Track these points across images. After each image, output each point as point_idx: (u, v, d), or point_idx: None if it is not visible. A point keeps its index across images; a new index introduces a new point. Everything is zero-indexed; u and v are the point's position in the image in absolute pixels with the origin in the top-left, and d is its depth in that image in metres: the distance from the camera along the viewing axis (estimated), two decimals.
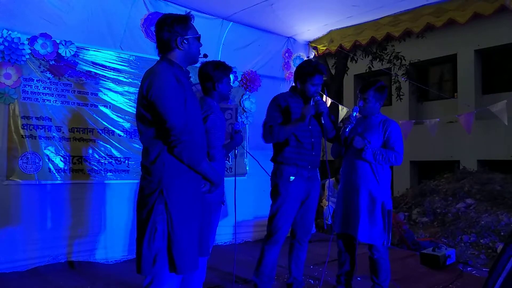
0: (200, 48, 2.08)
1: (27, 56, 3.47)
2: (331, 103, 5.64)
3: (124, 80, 4.00)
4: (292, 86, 3.08)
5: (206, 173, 1.97)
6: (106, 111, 3.92)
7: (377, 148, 2.89)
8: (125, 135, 4.02)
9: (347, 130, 2.94)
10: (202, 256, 2.06)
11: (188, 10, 2.19)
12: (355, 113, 2.93)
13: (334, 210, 3.20)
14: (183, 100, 1.87)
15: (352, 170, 2.97)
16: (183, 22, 1.97)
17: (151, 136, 1.90)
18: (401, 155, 2.91)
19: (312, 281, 3.50)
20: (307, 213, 3.00)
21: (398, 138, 2.93)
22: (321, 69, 2.89)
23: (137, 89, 2.18)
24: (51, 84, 3.63)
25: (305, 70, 2.90)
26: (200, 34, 2.06)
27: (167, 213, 1.84)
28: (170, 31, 1.95)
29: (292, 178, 2.88)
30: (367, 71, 9.80)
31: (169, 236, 1.84)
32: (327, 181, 7.09)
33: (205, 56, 2.17)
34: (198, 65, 2.46)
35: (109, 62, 3.93)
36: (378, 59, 9.24)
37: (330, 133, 3.01)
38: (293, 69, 5.35)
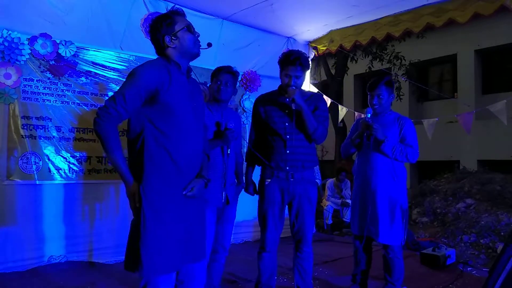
0: (199, 37, 1.96)
1: (27, 56, 3.47)
2: (331, 103, 5.64)
3: (124, 80, 4.00)
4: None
5: (116, 169, 1.86)
6: None
7: (396, 143, 2.86)
8: (125, 135, 4.01)
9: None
10: (196, 261, 1.97)
11: (176, 7, 2.09)
12: (369, 114, 2.85)
13: (351, 209, 3.13)
14: (148, 83, 1.80)
15: (368, 166, 2.92)
16: (166, 19, 1.91)
17: (135, 131, 1.89)
18: (418, 152, 2.90)
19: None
20: (297, 219, 2.75)
21: (414, 136, 2.91)
22: (292, 60, 2.58)
23: None
24: (51, 84, 3.63)
25: (280, 59, 2.70)
26: (189, 22, 1.95)
27: (141, 210, 1.80)
28: (157, 33, 1.91)
29: (268, 181, 2.74)
30: (367, 71, 9.80)
31: (139, 232, 1.78)
32: (327, 181, 7.11)
33: (209, 45, 2.03)
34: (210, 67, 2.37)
35: (109, 62, 3.93)
36: (378, 59, 9.25)
37: (309, 126, 2.63)
38: None
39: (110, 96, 1.84)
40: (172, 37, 1.89)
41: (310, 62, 2.74)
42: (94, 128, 1.80)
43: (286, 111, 2.71)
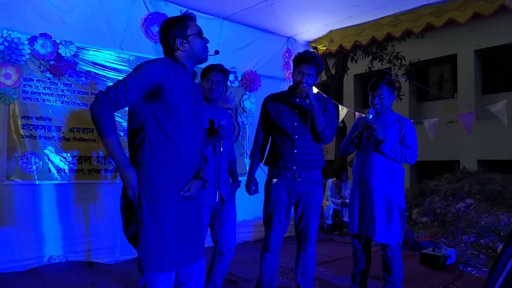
0: (208, 44, 2.01)
1: (27, 56, 3.47)
2: None
3: None
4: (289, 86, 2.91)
5: (111, 154, 1.80)
6: None
7: (396, 144, 2.87)
8: (125, 135, 4.02)
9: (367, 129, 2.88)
10: (195, 261, 1.97)
11: (185, 9, 2.15)
12: (371, 115, 2.85)
13: (348, 208, 3.15)
14: (153, 77, 1.81)
15: (366, 165, 2.93)
16: (179, 22, 1.94)
17: (137, 124, 1.90)
18: (416, 153, 2.90)
19: None
20: (302, 218, 2.75)
21: (413, 137, 2.92)
22: (306, 57, 2.62)
23: None
24: (51, 84, 3.63)
25: (294, 58, 2.74)
26: (201, 28, 2.00)
27: (140, 206, 1.81)
28: (168, 35, 1.93)
29: (274, 180, 2.74)
30: (367, 71, 9.79)
31: (137, 229, 1.80)
32: (327, 181, 7.11)
33: (216, 52, 2.08)
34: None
35: (109, 62, 3.93)
36: (378, 59, 9.24)
37: (318, 125, 2.65)
38: None
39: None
40: (184, 40, 1.93)
41: (323, 66, 2.77)
42: (91, 110, 1.81)
43: (296, 111, 2.72)
